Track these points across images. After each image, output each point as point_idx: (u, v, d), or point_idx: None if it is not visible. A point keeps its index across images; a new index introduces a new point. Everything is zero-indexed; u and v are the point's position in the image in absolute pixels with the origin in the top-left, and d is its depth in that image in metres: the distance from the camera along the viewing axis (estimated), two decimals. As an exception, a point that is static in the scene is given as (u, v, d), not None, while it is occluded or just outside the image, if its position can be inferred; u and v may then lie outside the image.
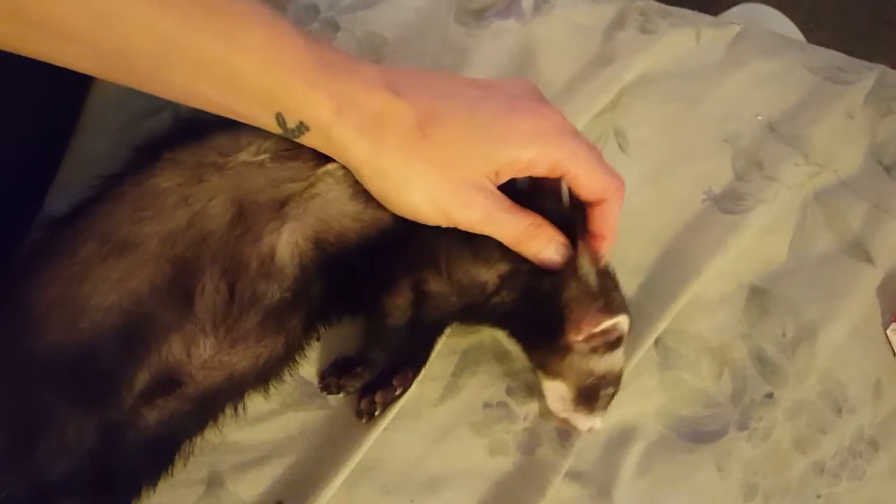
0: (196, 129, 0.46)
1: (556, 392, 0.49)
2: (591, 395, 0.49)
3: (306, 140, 0.43)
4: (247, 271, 0.44)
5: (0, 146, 0.50)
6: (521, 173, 0.46)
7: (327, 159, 0.45)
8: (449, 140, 0.44)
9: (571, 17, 0.61)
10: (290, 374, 0.49)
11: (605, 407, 0.50)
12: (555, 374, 0.49)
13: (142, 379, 0.43)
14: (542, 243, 0.47)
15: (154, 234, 0.43)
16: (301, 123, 0.42)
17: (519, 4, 0.60)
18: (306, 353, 0.50)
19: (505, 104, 0.45)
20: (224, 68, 0.39)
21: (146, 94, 0.46)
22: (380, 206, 0.46)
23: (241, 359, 0.46)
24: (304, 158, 0.46)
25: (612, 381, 0.50)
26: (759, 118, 0.61)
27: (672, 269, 0.56)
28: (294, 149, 0.45)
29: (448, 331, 0.52)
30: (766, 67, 0.63)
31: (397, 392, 0.49)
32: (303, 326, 0.48)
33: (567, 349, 0.48)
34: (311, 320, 0.49)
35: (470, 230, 0.45)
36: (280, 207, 0.45)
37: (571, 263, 0.48)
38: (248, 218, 0.44)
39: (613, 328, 0.48)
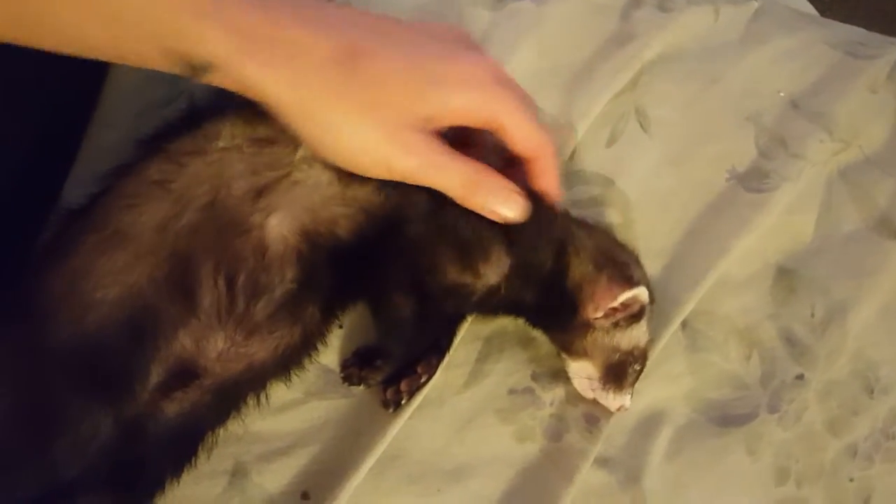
0: (198, 117, 0.45)
1: (583, 372, 0.49)
2: (619, 373, 0.48)
3: (216, 80, 0.39)
4: (244, 264, 0.43)
5: (15, 139, 0.49)
6: (455, 122, 0.43)
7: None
8: (379, 77, 0.40)
9: (587, -4, 0.60)
10: (312, 362, 0.48)
11: (634, 384, 0.49)
12: (580, 354, 0.48)
13: (156, 373, 0.42)
14: (492, 193, 0.43)
15: (147, 226, 0.42)
16: (204, 62, 0.38)
17: (536, -16, 0.59)
18: (328, 340, 0.49)
19: (440, 47, 0.42)
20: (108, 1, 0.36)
21: (161, 84, 0.45)
22: (361, 183, 0.44)
23: (259, 349, 0.45)
24: (283, 143, 0.44)
25: (639, 356, 0.49)
26: (781, 95, 0.60)
27: (697, 249, 0.55)
28: (269, 132, 0.43)
29: (470, 317, 0.51)
30: (786, 44, 0.61)
31: (422, 380, 0.48)
32: (321, 314, 0.47)
33: (588, 327, 0.47)
34: (329, 308, 0.48)
35: (410, 180, 0.42)
36: (258, 197, 0.43)
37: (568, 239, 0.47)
38: (228, 208, 0.43)
39: (634, 300, 0.47)
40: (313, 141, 0.41)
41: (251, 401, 0.47)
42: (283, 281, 0.44)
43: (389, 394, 0.47)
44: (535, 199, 0.46)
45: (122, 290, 0.41)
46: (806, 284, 0.57)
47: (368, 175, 0.42)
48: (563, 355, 0.49)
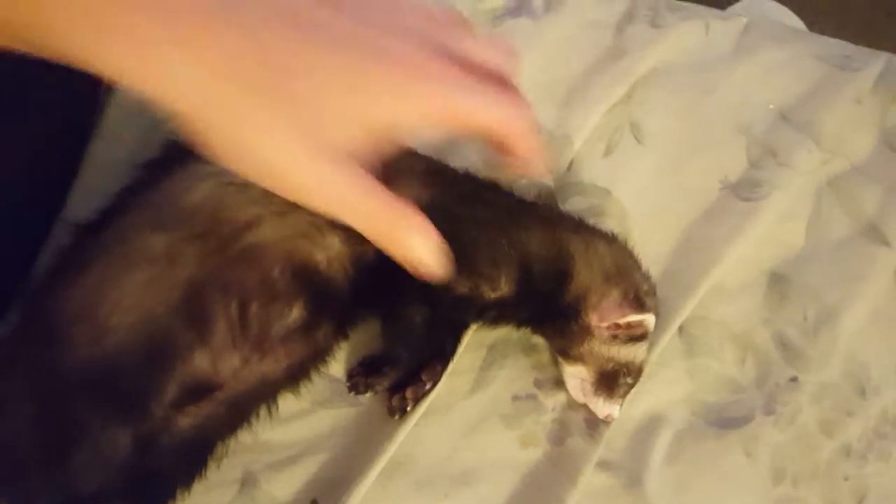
0: None
1: (577, 376, 0.50)
2: (611, 382, 0.49)
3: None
4: (254, 293, 0.44)
5: (16, 153, 0.49)
6: (410, 132, 0.36)
7: None
8: (311, 96, 0.32)
9: (583, 13, 0.61)
10: (320, 373, 0.49)
11: (624, 396, 0.51)
12: (575, 359, 0.50)
13: (171, 391, 0.43)
14: (408, 237, 0.35)
15: (157, 252, 0.43)
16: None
17: (530, 3, 0.61)
18: (336, 352, 0.50)
19: (375, 42, 0.33)
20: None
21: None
22: None
23: (273, 368, 0.46)
24: None
25: (633, 371, 0.51)
26: (771, 107, 0.62)
27: (692, 257, 0.57)
28: None
29: (475, 325, 0.52)
30: (775, 57, 0.63)
31: (427, 386, 0.49)
32: (332, 332, 0.49)
33: (587, 333, 0.49)
34: (341, 325, 0.49)
35: (321, 212, 0.34)
36: (248, 227, 0.44)
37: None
38: (226, 239, 0.44)
39: (640, 324, 0.49)
40: (221, 155, 0.33)
41: (262, 412, 0.48)
42: (294, 308, 0.45)
43: (395, 401, 0.48)
44: (541, 207, 0.47)
45: (138, 315, 0.42)
46: (798, 290, 0.58)
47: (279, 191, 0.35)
48: (560, 359, 0.51)
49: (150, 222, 0.43)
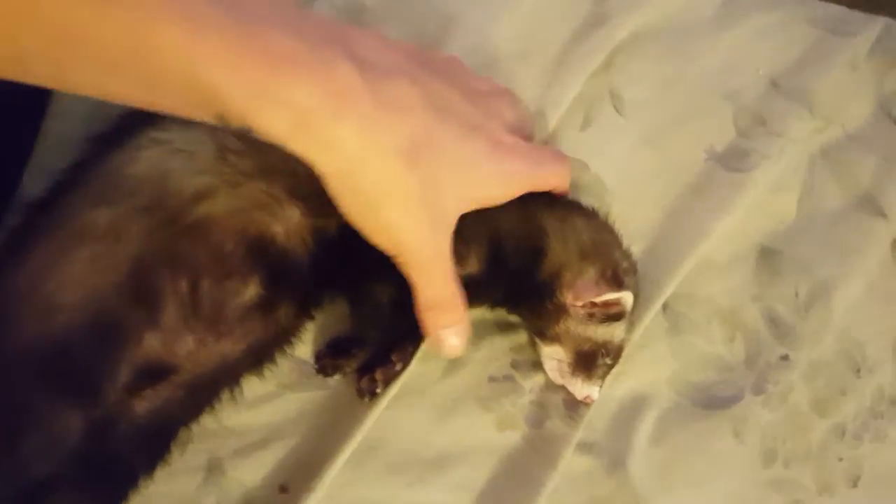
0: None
1: (554, 356, 0.48)
2: (589, 363, 0.48)
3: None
4: (205, 270, 0.42)
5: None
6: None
7: None
8: (434, 174, 0.40)
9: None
10: (286, 355, 0.48)
11: (603, 377, 0.49)
12: (552, 339, 0.48)
13: (124, 373, 0.41)
14: (449, 334, 0.45)
15: (102, 228, 0.41)
16: (250, 129, 0.36)
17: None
18: (301, 333, 0.48)
19: (489, 139, 0.44)
20: (139, 64, 0.33)
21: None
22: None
23: (232, 348, 0.44)
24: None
25: (612, 351, 0.49)
26: (760, 73, 0.59)
27: (677, 231, 0.55)
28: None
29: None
30: (765, 20, 0.61)
31: (397, 367, 0.47)
32: (295, 312, 0.47)
33: (563, 312, 0.47)
34: (304, 305, 0.47)
35: (410, 268, 0.43)
36: (198, 199, 0.42)
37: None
38: (173, 210, 0.41)
39: (616, 302, 0.47)
40: (346, 207, 0.40)
41: (224, 396, 0.46)
42: (249, 286, 0.43)
43: (364, 383, 0.46)
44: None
45: (84, 293, 0.40)
46: (789, 264, 0.56)
47: (380, 246, 0.42)
48: (537, 340, 0.49)
49: (94, 196, 0.41)
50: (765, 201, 0.56)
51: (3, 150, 0.50)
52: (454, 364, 0.50)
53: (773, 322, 0.55)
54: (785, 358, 0.54)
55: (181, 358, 0.43)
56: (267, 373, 0.47)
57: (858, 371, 0.54)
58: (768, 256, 0.56)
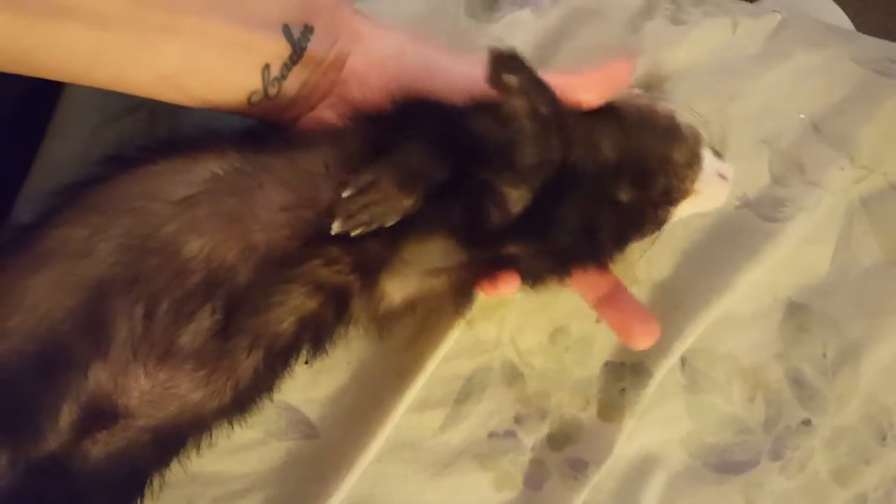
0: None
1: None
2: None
3: (315, 48, 0.41)
4: (166, 292, 0.39)
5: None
6: None
7: None
8: None
9: (593, 6, 0.55)
10: (272, 400, 0.44)
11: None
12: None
13: (68, 410, 0.38)
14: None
15: (71, 248, 0.38)
16: (306, 26, 0.40)
17: (536, -8, 0.55)
18: (287, 377, 0.44)
19: None
20: None
21: (121, 95, 0.42)
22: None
23: (190, 389, 0.41)
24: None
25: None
26: (802, 116, 0.56)
27: (701, 278, 0.52)
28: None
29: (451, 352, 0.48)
30: (809, 60, 0.57)
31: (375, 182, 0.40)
32: (263, 353, 0.42)
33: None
34: (271, 345, 0.42)
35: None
36: (181, 207, 0.39)
37: None
38: (151, 225, 0.39)
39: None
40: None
41: (199, 441, 0.43)
42: (205, 311, 0.39)
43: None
44: None
45: (35, 318, 0.37)
46: (819, 322, 0.53)
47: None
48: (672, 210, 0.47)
49: (78, 216, 0.39)
50: (797, 253, 0.53)
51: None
52: (453, 418, 0.48)
53: (798, 383, 0.52)
54: (807, 423, 0.51)
55: (134, 398, 0.40)
56: (253, 419, 0.44)
57: (884, 438, 0.51)
58: (796, 312, 0.53)
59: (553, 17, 0.54)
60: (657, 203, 0.46)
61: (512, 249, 0.43)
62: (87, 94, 0.49)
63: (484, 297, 0.46)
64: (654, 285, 0.51)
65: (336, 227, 0.39)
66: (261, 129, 0.44)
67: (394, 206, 0.39)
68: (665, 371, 0.49)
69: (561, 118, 0.42)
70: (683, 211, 0.47)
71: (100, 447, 0.40)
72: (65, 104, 0.49)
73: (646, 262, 0.52)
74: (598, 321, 0.50)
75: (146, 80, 0.40)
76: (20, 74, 0.37)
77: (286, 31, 0.39)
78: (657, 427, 0.50)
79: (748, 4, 0.60)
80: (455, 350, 0.48)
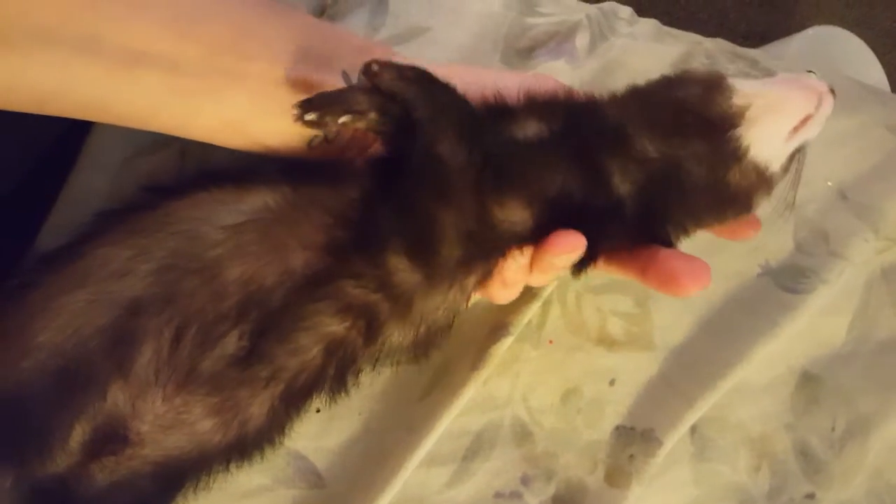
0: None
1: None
2: None
3: None
4: (200, 314, 0.39)
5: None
6: None
7: None
8: None
9: (629, 60, 0.54)
10: (280, 446, 0.43)
11: None
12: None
13: (81, 431, 0.38)
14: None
15: (112, 267, 0.38)
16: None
17: (573, 43, 0.54)
18: (296, 423, 0.43)
19: None
20: None
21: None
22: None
23: (202, 416, 0.40)
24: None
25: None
26: (829, 184, 0.55)
27: (717, 347, 0.51)
28: None
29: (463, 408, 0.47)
30: (843, 125, 0.56)
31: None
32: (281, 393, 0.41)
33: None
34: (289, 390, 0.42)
35: None
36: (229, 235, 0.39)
37: None
38: (197, 248, 0.39)
39: None
40: None
41: (203, 480, 0.42)
42: (234, 335, 0.39)
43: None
44: None
45: (66, 335, 0.37)
46: (830, 394, 0.53)
47: None
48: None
49: (122, 237, 0.39)
50: (813, 323, 0.53)
51: (20, 202, 0.47)
52: (459, 475, 0.47)
53: (805, 455, 0.52)
54: (811, 497, 0.51)
55: (147, 422, 0.39)
56: (262, 465, 0.44)
57: (888, 516, 0.52)
58: (808, 383, 0.53)
59: (588, 69, 0.53)
60: (710, 136, 0.43)
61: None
62: (118, 127, 0.48)
63: (500, 352, 0.46)
64: (669, 351, 0.51)
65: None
66: (312, 161, 0.44)
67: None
68: (675, 441, 0.49)
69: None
70: (771, 132, 0.44)
71: (105, 474, 0.39)
72: (95, 137, 0.48)
73: (661, 328, 0.51)
74: (611, 384, 0.50)
75: (211, 127, 0.40)
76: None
77: (345, 76, 0.40)
78: (663, 494, 0.49)
79: (783, 62, 0.59)
80: (466, 405, 0.47)
